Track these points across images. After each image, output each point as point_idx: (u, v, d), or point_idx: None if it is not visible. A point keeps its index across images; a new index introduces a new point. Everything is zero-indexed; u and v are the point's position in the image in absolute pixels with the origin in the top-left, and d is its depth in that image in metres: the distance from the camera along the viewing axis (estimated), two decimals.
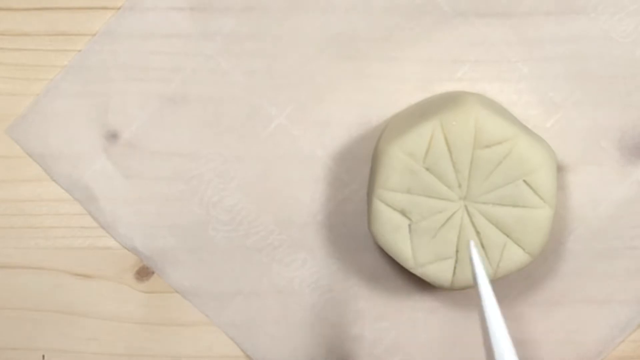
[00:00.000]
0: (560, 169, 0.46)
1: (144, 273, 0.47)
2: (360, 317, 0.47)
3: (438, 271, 0.43)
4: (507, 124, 0.41)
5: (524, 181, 0.42)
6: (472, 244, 0.41)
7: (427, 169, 0.42)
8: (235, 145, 0.46)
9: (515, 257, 0.42)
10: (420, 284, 0.46)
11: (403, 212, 0.42)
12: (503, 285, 0.46)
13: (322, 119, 0.46)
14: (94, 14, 0.46)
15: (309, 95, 0.46)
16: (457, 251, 0.42)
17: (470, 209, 0.42)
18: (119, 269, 0.47)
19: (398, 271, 0.47)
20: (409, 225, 0.42)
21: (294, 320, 0.47)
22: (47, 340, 0.47)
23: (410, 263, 0.43)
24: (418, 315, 0.47)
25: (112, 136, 0.46)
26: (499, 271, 0.43)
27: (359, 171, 0.46)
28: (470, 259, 0.41)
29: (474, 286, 0.41)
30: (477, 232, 0.42)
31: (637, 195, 0.46)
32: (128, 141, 0.46)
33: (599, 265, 0.47)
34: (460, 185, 0.42)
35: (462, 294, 0.46)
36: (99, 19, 0.46)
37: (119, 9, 0.45)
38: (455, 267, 0.43)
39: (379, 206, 0.42)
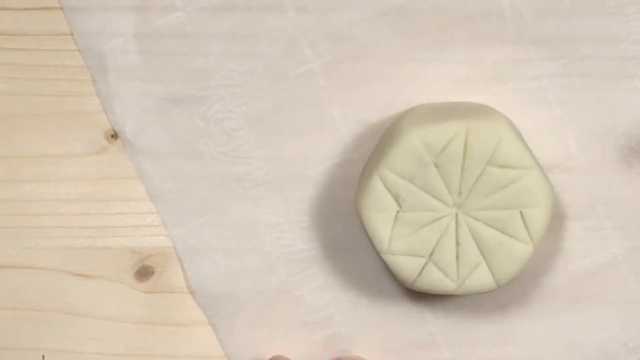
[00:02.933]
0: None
1: (144, 273, 0.47)
2: (306, 282, 0.47)
3: (406, 265, 0.43)
4: (527, 154, 0.42)
5: (520, 212, 0.42)
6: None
7: (436, 166, 0.42)
8: (260, 74, 0.46)
9: (483, 279, 0.43)
10: (384, 272, 0.47)
11: (396, 197, 0.42)
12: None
13: (352, 81, 0.46)
14: None
15: (350, 54, 0.45)
16: (431, 253, 0.42)
17: (460, 218, 0.42)
18: (119, 269, 0.47)
19: (363, 251, 0.47)
20: (397, 212, 0.42)
21: (243, 257, 0.47)
22: (47, 340, 0.47)
23: (383, 247, 0.42)
24: (363, 300, 0.47)
25: None
26: (463, 287, 0.43)
27: (365, 144, 0.46)
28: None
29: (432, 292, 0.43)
30: (458, 243, 0.42)
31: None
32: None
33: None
34: (460, 193, 0.42)
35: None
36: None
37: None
38: (423, 268, 0.43)
39: (377, 184, 0.42)
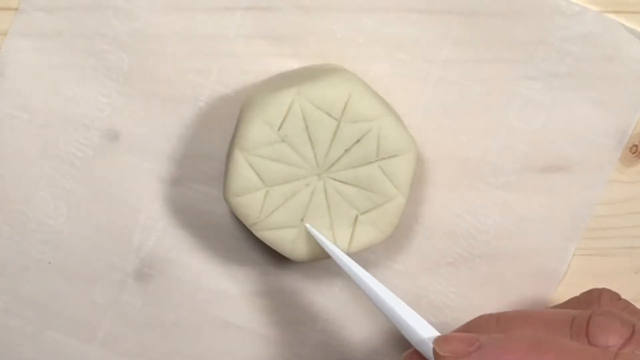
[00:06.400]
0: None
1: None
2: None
3: (281, 238, 0.43)
4: (378, 105, 0.42)
5: (381, 165, 0.42)
6: (309, 227, 0.42)
7: (283, 139, 0.42)
8: None
9: (367, 234, 0.43)
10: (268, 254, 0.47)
11: (259, 175, 0.42)
12: None
13: None
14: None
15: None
16: (302, 221, 0.43)
17: (324, 183, 0.42)
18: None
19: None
20: (263, 189, 0.42)
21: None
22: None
23: (255, 225, 0.43)
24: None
25: None
26: (353, 246, 0.43)
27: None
28: (318, 240, 0.42)
29: (316, 259, 0.43)
30: (329, 208, 0.43)
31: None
32: None
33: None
34: (316, 158, 0.42)
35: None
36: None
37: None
38: (297, 237, 0.43)
39: (236, 168, 0.42)
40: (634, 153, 0.46)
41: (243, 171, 0.42)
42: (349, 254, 0.42)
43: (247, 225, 0.43)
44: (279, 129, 0.42)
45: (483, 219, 0.46)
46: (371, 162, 0.42)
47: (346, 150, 0.42)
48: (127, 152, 0.46)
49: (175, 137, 0.46)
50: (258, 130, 0.41)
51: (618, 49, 0.45)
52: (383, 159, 0.42)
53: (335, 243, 0.43)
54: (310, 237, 0.43)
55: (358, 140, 0.42)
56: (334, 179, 0.42)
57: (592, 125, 0.46)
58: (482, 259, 0.47)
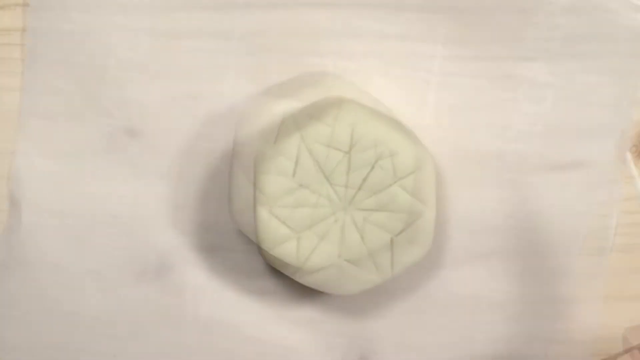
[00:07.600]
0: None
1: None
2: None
3: (325, 280, 0.43)
4: (382, 125, 0.42)
5: (400, 186, 0.42)
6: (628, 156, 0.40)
7: (300, 184, 0.42)
8: None
9: (406, 253, 0.43)
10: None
11: (286, 225, 0.42)
12: None
13: None
14: None
15: None
16: (339, 257, 0.43)
17: (352, 215, 0.42)
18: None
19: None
20: (294, 237, 0.42)
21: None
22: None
23: (296, 274, 0.43)
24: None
25: None
26: (395, 268, 0.43)
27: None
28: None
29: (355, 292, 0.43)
30: (363, 238, 0.42)
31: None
32: None
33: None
34: (337, 193, 0.42)
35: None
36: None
37: None
38: (340, 275, 0.43)
39: (263, 223, 0.42)
40: (634, 153, 0.47)
41: (270, 225, 0.42)
42: (393, 277, 0.43)
43: (289, 275, 0.43)
44: (294, 175, 0.42)
45: (496, 215, 0.47)
46: (391, 185, 0.42)
47: (364, 179, 0.42)
48: (132, 152, 0.46)
49: (179, 136, 0.46)
50: (274, 183, 0.42)
51: (606, 11, 0.45)
52: (401, 178, 0.42)
53: (376, 270, 0.43)
54: (352, 271, 0.43)
55: (373, 167, 0.42)
56: (360, 209, 0.42)
57: (593, 124, 0.46)
58: (491, 256, 0.47)
